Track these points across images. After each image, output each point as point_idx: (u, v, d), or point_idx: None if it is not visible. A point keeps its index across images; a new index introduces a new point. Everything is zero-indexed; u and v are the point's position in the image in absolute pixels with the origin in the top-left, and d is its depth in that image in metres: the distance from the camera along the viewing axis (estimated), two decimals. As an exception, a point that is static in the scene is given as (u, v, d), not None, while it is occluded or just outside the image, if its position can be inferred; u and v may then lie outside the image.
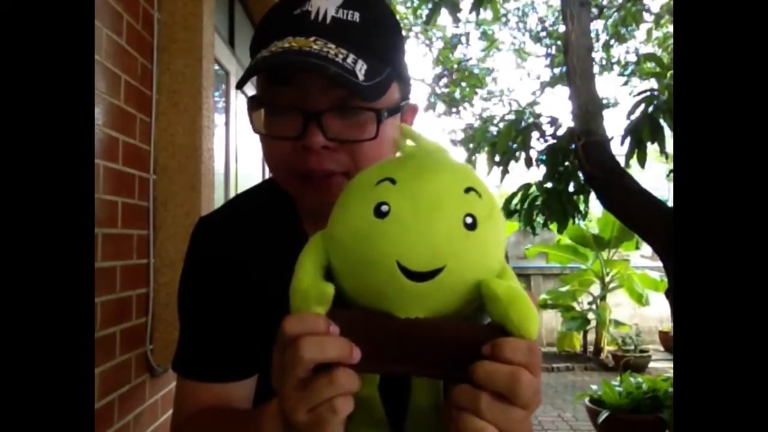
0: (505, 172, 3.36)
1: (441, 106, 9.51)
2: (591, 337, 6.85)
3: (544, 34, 9.11)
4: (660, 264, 3.10)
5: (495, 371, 0.46)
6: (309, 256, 0.53)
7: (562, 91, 9.13)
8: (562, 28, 5.52)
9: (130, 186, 1.68)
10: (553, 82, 8.80)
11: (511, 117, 3.45)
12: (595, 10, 4.12)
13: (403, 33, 0.74)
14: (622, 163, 2.92)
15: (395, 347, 0.49)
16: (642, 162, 2.86)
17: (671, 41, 6.22)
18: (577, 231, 6.36)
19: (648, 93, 2.92)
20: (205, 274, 0.75)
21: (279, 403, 0.50)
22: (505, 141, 3.27)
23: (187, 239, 0.78)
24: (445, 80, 9.50)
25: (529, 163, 3.27)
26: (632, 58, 8.45)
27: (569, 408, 5.07)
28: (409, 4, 7.99)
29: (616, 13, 6.15)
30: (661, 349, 6.98)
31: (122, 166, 1.62)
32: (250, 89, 0.72)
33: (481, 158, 3.67)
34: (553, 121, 3.30)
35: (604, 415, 3.75)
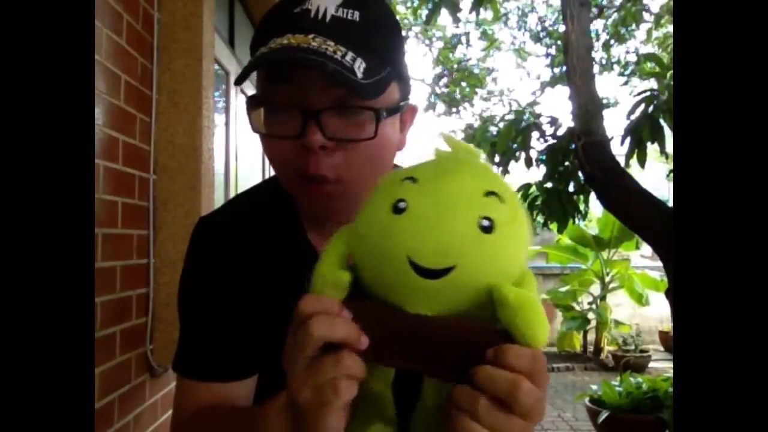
0: (505, 172, 3.36)
1: (441, 106, 9.52)
2: (591, 337, 6.85)
3: (544, 34, 9.10)
4: (660, 264, 3.10)
5: (496, 376, 0.46)
6: (333, 247, 0.55)
7: (562, 91, 9.13)
8: (562, 28, 5.52)
9: (130, 186, 1.68)
10: (553, 82, 8.79)
11: (511, 117, 3.45)
12: (595, 10, 4.13)
13: (403, 33, 0.74)
14: (622, 163, 2.92)
15: (401, 342, 0.50)
16: (642, 162, 2.86)
17: (671, 41, 6.22)
18: (577, 231, 6.37)
19: (648, 93, 2.92)
20: (205, 274, 0.75)
21: (287, 382, 0.51)
22: (505, 141, 3.27)
23: (187, 239, 0.78)
24: (445, 80, 9.50)
25: (529, 163, 3.27)
26: (632, 58, 8.45)
27: (569, 408, 5.07)
28: (409, 4, 7.99)
29: (616, 13, 6.15)
30: (661, 349, 6.99)
31: (122, 166, 1.62)
32: (250, 89, 0.72)
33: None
34: (553, 121, 3.30)
35: (604, 415, 3.75)
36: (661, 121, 2.80)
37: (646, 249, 6.57)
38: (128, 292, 1.67)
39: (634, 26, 6.74)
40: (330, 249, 0.55)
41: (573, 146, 3.03)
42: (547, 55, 9.08)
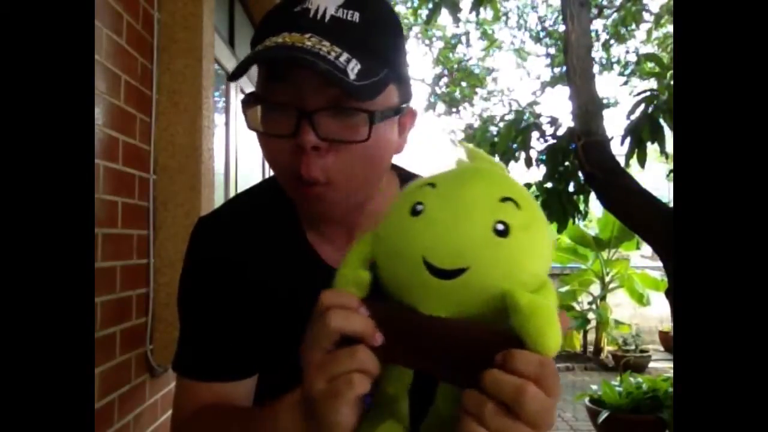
0: (505, 172, 3.35)
1: (441, 106, 9.51)
2: (591, 337, 6.85)
3: (544, 34, 9.10)
4: (660, 264, 3.10)
5: (502, 380, 0.46)
6: (356, 248, 0.57)
7: (562, 91, 9.13)
8: (562, 28, 5.52)
9: (130, 186, 1.68)
10: (553, 82, 8.80)
11: (511, 117, 3.44)
12: (595, 10, 4.13)
13: (404, 34, 0.74)
14: (622, 163, 2.92)
15: (413, 341, 0.51)
16: (642, 162, 2.86)
17: (671, 41, 6.22)
18: (577, 231, 6.37)
19: (648, 93, 2.91)
20: (205, 273, 0.75)
21: (303, 373, 0.53)
22: (505, 141, 3.27)
23: (187, 239, 0.78)
24: (445, 80, 9.50)
25: (529, 163, 3.27)
26: (632, 58, 8.45)
27: (569, 408, 5.07)
28: (409, 4, 7.99)
29: (615, 13, 6.15)
30: (661, 349, 6.98)
31: (122, 166, 1.62)
32: (250, 87, 0.72)
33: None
34: (553, 121, 3.30)
35: (604, 415, 3.75)
36: (661, 121, 2.79)
37: (646, 249, 6.57)
38: (128, 292, 1.67)
39: (634, 26, 6.74)
40: (353, 250, 0.57)
41: (573, 146, 3.03)
42: (547, 55, 9.08)
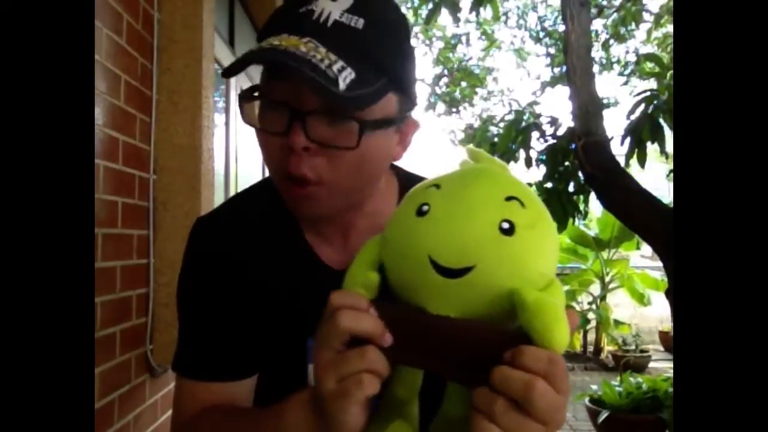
0: (505, 172, 3.35)
1: (441, 106, 9.51)
2: (591, 337, 6.84)
3: (543, 34, 9.10)
4: (660, 264, 3.10)
5: (510, 376, 0.46)
6: (364, 251, 0.58)
7: (562, 91, 9.13)
8: (562, 28, 5.52)
9: (130, 186, 1.68)
10: (553, 82, 8.79)
11: (511, 117, 3.44)
12: (594, 10, 4.13)
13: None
14: (622, 163, 2.92)
15: (422, 341, 0.51)
16: (642, 162, 2.86)
17: (671, 41, 6.22)
18: (577, 231, 6.36)
19: (648, 93, 2.91)
20: (204, 273, 0.75)
21: (313, 371, 0.53)
22: (505, 141, 3.27)
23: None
24: (445, 80, 9.50)
25: (529, 163, 3.27)
26: (632, 58, 8.45)
27: (569, 408, 5.05)
28: (409, 4, 7.99)
29: (615, 13, 6.15)
30: (661, 349, 6.98)
31: (122, 166, 1.62)
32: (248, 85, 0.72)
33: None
34: (553, 121, 3.30)
35: (604, 415, 3.75)
36: (661, 121, 2.79)
37: (646, 249, 6.57)
38: (128, 292, 1.67)
39: (633, 26, 6.74)
40: (361, 253, 0.58)
41: (573, 146, 3.03)
42: (547, 55, 9.08)
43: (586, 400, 4.05)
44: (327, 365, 0.51)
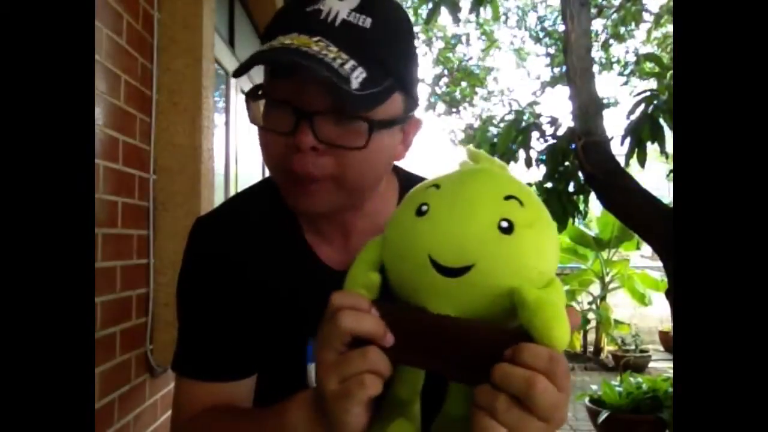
0: (504, 172, 3.35)
1: (441, 106, 9.51)
2: (591, 337, 6.84)
3: (543, 34, 9.10)
4: (660, 264, 3.10)
5: (511, 373, 0.46)
6: (365, 252, 0.58)
7: (562, 91, 9.12)
8: (562, 28, 5.53)
9: (130, 186, 1.68)
10: (553, 82, 8.79)
11: (511, 117, 3.44)
12: (594, 10, 4.13)
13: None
14: (622, 163, 2.92)
15: (423, 341, 0.51)
16: (642, 162, 2.86)
17: (671, 41, 6.22)
18: (577, 231, 6.36)
19: (648, 93, 2.91)
20: (203, 273, 0.75)
21: (315, 372, 0.54)
22: (505, 141, 3.26)
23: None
24: (445, 80, 9.50)
25: (529, 163, 3.27)
26: (632, 58, 8.45)
27: (569, 408, 5.06)
28: (409, 4, 7.99)
29: (615, 13, 6.15)
30: (661, 349, 6.98)
31: (122, 166, 1.62)
32: (249, 87, 0.72)
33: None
34: (553, 121, 3.30)
35: (604, 415, 3.75)
36: (661, 121, 2.79)
37: (646, 249, 6.57)
38: (128, 292, 1.67)
39: (633, 26, 6.74)
40: (362, 254, 0.58)
41: (573, 146, 3.03)
42: (547, 55, 9.08)
43: (586, 400, 4.05)
44: (329, 366, 0.51)
